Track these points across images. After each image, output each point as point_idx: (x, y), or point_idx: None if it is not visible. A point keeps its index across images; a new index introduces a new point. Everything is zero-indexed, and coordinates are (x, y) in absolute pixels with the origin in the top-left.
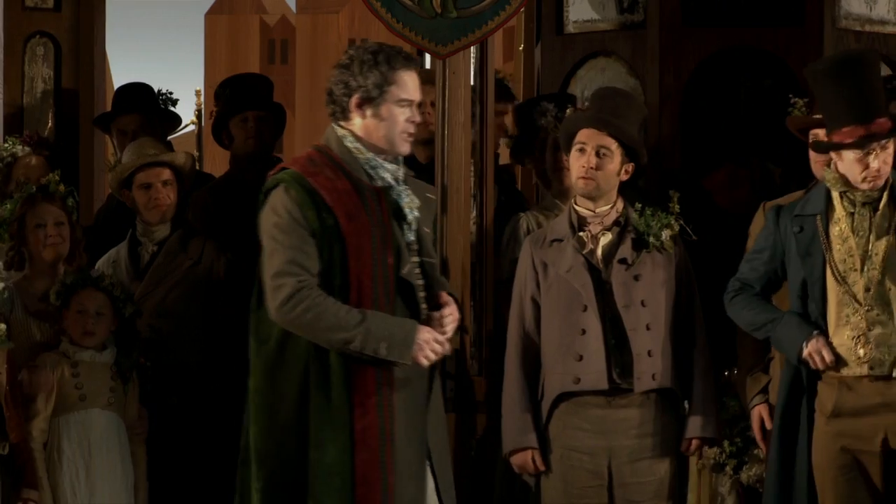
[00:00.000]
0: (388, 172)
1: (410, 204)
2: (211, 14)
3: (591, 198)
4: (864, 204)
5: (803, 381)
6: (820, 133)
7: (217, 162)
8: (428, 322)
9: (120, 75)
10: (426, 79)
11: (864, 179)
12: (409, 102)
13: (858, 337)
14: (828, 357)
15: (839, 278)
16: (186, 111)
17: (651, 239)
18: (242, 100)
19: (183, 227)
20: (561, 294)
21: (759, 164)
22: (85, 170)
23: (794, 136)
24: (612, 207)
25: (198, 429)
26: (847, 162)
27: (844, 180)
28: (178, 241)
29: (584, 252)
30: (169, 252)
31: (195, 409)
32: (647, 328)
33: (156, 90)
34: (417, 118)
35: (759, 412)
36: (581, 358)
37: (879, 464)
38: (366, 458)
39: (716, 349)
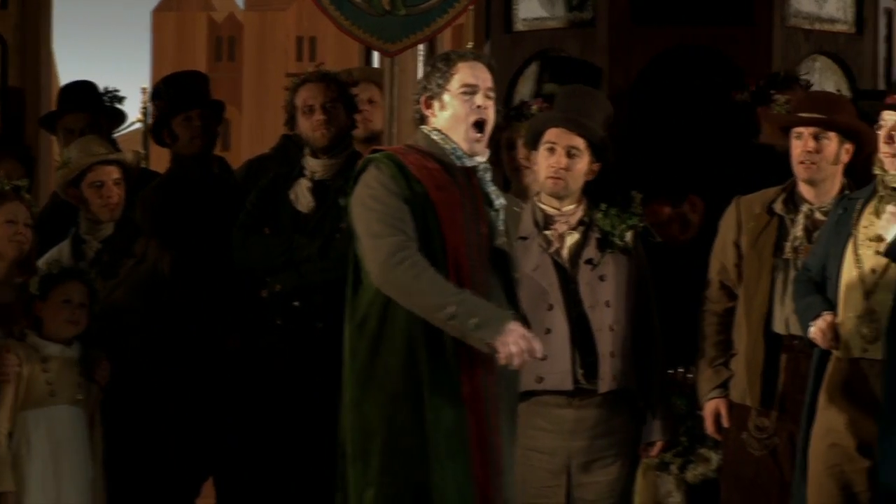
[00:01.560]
0: (476, 163)
1: (496, 192)
2: (158, 11)
3: (560, 197)
4: (893, 189)
5: (818, 368)
6: (805, 132)
7: (163, 160)
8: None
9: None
10: (368, 77)
11: (890, 161)
12: (472, 89)
13: (860, 317)
14: (829, 335)
15: (856, 258)
16: (133, 109)
17: (616, 239)
18: (185, 99)
19: (127, 226)
20: (526, 292)
21: (695, 202)
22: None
23: (744, 134)
24: (577, 207)
25: (145, 424)
26: (880, 143)
27: (882, 165)
28: (123, 239)
29: (550, 251)
30: (115, 250)
31: (140, 404)
32: (611, 329)
33: (102, 88)
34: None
35: (715, 406)
36: (545, 357)
37: (863, 461)
38: (475, 420)
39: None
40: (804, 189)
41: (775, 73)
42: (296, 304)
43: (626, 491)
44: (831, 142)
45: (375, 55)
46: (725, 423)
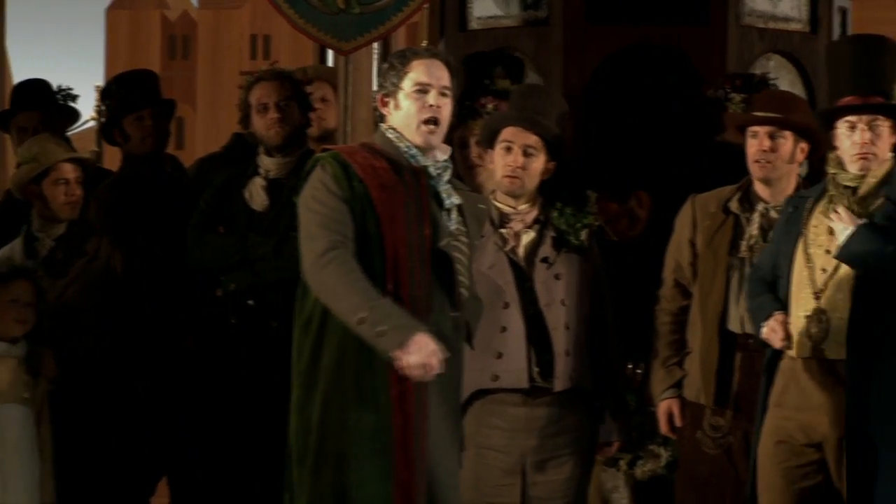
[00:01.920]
0: (430, 163)
1: (449, 192)
2: (112, 9)
3: (516, 196)
4: (847, 187)
5: (769, 367)
6: (761, 130)
7: (117, 159)
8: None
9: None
10: (323, 75)
11: (852, 158)
12: (425, 88)
13: (809, 317)
14: (780, 334)
15: (806, 258)
16: (87, 107)
17: (571, 238)
18: (136, 98)
19: (80, 224)
20: (482, 290)
21: (641, 197)
22: None
23: (699, 133)
24: (533, 205)
25: (99, 423)
26: (839, 140)
27: (839, 162)
28: (76, 237)
29: (505, 249)
30: (69, 248)
31: (94, 403)
32: (567, 327)
33: (55, 86)
34: (433, 102)
35: (668, 406)
36: (500, 355)
37: (814, 459)
38: (401, 422)
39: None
40: (759, 188)
41: (751, 75)
42: (250, 302)
43: (580, 490)
44: (787, 141)
45: (330, 53)
46: (678, 422)
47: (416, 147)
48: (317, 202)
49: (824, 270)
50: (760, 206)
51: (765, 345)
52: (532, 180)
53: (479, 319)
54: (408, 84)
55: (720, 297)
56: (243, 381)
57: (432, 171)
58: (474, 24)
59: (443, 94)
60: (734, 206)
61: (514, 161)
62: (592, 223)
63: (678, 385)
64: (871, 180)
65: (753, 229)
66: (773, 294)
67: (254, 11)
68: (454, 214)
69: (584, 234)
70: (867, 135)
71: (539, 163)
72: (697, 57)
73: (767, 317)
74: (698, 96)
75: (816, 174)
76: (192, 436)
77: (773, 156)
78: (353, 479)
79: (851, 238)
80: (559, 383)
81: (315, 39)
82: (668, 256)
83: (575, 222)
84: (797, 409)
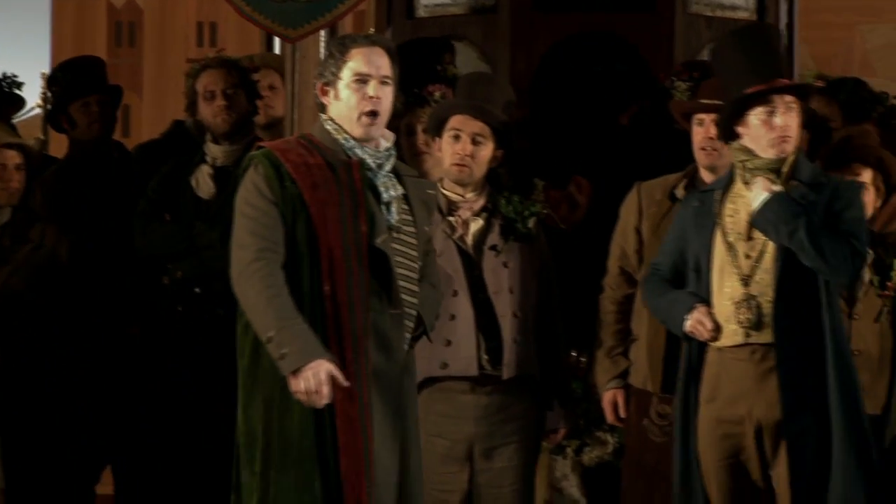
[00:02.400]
0: (369, 156)
1: (387, 184)
2: None
3: (464, 184)
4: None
5: (693, 362)
6: (706, 118)
7: (64, 146)
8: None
9: None
10: (269, 63)
11: (770, 143)
12: (364, 78)
13: (738, 303)
14: (708, 325)
15: (727, 247)
16: (32, 94)
17: (519, 226)
18: (83, 84)
19: (25, 212)
20: None
21: (580, 182)
22: None
23: (648, 120)
24: (481, 193)
25: (43, 411)
26: (753, 128)
27: (747, 151)
28: (21, 224)
29: (454, 237)
30: (13, 235)
31: (38, 391)
32: (514, 315)
33: (0, 74)
34: (372, 93)
35: (613, 396)
36: (449, 343)
37: (755, 449)
38: (345, 426)
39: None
40: (705, 175)
41: (706, 63)
42: (197, 290)
43: (528, 477)
44: None
45: (277, 41)
46: (623, 412)
47: (355, 139)
48: (248, 206)
49: (748, 257)
50: None
51: (688, 338)
52: (480, 168)
53: (436, 310)
54: (347, 74)
55: None
56: (190, 370)
57: (371, 162)
58: (422, 12)
59: (383, 84)
60: (680, 193)
61: (462, 149)
62: (540, 211)
63: (623, 375)
64: (788, 164)
65: None
66: (685, 290)
67: None
68: (394, 207)
69: (531, 222)
70: (787, 118)
71: (487, 151)
72: (645, 45)
73: (689, 310)
74: (647, 84)
75: None
76: (137, 424)
77: (719, 143)
78: (299, 482)
79: (767, 204)
80: (507, 371)
81: (262, 27)
82: (613, 244)
83: (522, 210)
84: (733, 400)
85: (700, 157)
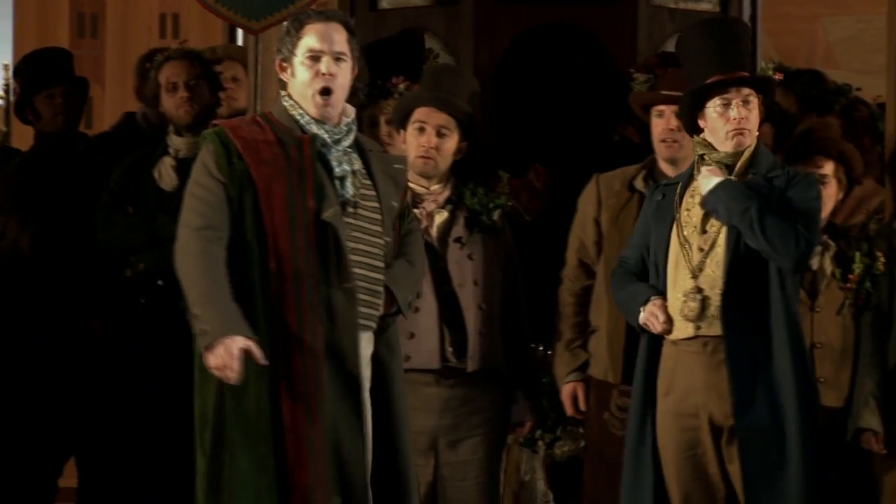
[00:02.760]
0: (325, 132)
1: (341, 159)
2: None
3: (429, 177)
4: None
5: (650, 355)
6: (666, 110)
7: (28, 137)
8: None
9: None
10: (232, 55)
11: (727, 135)
12: (317, 54)
13: (686, 296)
14: (661, 317)
15: (681, 241)
16: None
17: (484, 218)
18: (48, 76)
19: None
20: None
21: (538, 169)
22: None
23: (610, 112)
24: (445, 185)
25: (5, 403)
26: (711, 121)
27: (707, 144)
28: None
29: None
30: None
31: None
32: (479, 308)
33: None
34: (325, 70)
35: (573, 388)
36: (413, 336)
37: (711, 442)
38: (290, 405)
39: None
40: (665, 166)
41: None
42: (160, 283)
43: (493, 469)
44: None
45: (240, 33)
46: (583, 405)
47: (311, 116)
48: (196, 185)
49: (701, 250)
50: None
51: (644, 331)
52: (445, 161)
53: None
54: (301, 50)
55: None
56: (153, 362)
57: (327, 138)
58: (385, 4)
59: (338, 60)
60: (639, 184)
61: (427, 142)
62: (505, 203)
63: (582, 368)
64: (745, 157)
65: None
66: (646, 282)
67: None
68: (349, 181)
69: (496, 215)
70: (743, 111)
71: (452, 143)
72: (608, 37)
73: (644, 302)
74: (611, 76)
75: None
76: (100, 416)
77: (679, 135)
78: (255, 463)
79: (717, 188)
80: (472, 363)
81: (225, 18)
82: (572, 236)
83: (487, 202)
84: (687, 393)
85: (660, 149)
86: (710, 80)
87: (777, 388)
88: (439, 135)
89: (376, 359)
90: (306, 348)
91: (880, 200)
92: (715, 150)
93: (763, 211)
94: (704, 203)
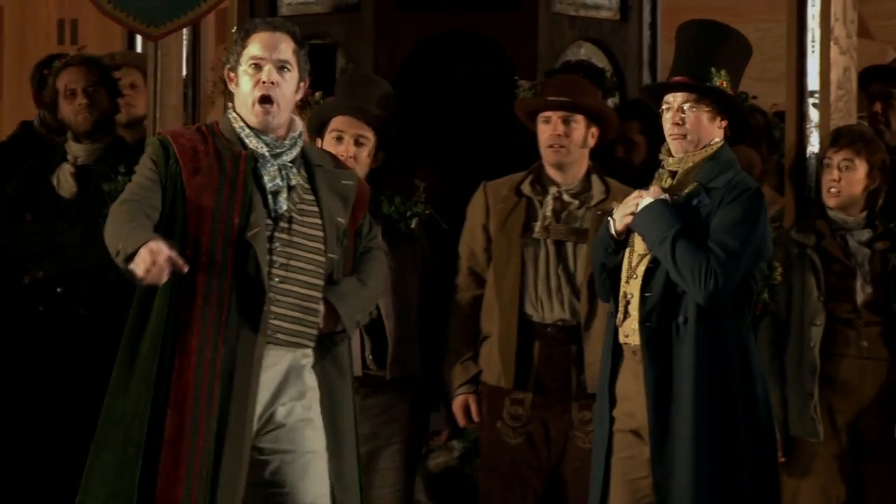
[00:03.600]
0: (265, 145)
1: (274, 174)
2: None
3: None
4: (671, 173)
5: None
6: (553, 115)
7: None
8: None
9: None
10: (131, 61)
11: (669, 139)
12: (259, 62)
13: (618, 302)
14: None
15: (630, 245)
16: None
17: (401, 226)
18: None
19: None
20: None
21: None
22: None
23: (513, 119)
24: None
25: None
26: (663, 121)
27: (668, 149)
28: None
29: None
30: None
31: None
32: (398, 316)
33: None
34: (265, 78)
35: (464, 400)
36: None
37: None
38: (175, 417)
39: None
40: (552, 172)
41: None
42: (59, 290)
43: (410, 478)
44: (579, 125)
45: (139, 39)
46: (476, 417)
47: (251, 128)
48: (135, 178)
49: (641, 256)
50: (553, 190)
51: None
52: (362, 170)
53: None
54: (245, 59)
55: (516, 280)
56: (51, 369)
57: (266, 151)
58: (284, 10)
59: (281, 69)
60: (527, 188)
61: (345, 151)
62: (422, 212)
63: (474, 380)
64: (689, 164)
65: (547, 211)
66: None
67: None
68: (283, 196)
69: (413, 223)
70: (678, 115)
71: (370, 151)
72: (509, 44)
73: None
74: (510, 83)
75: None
76: None
77: (566, 140)
78: (117, 463)
79: (646, 209)
80: (391, 371)
81: (124, 25)
82: (462, 245)
83: (405, 211)
84: (624, 399)
85: (547, 154)
86: (649, 84)
87: (690, 400)
88: (357, 143)
89: (322, 377)
90: (204, 363)
91: (778, 209)
92: (671, 155)
93: (677, 242)
94: (632, 225)
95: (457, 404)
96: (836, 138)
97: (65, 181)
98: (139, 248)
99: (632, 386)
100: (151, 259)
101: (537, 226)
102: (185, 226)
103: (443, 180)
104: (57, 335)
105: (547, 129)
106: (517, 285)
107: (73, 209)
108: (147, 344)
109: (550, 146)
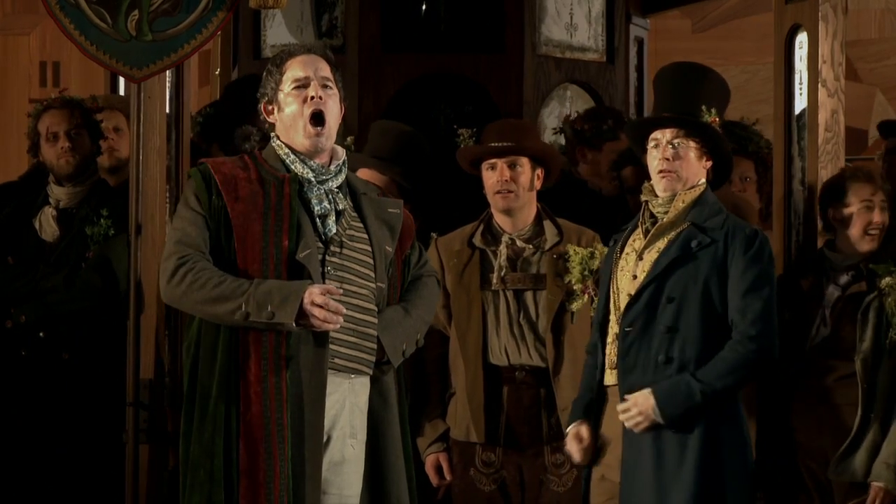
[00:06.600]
0: (311, 171)
1: (322, 197)
2: None
3: None
4: (653, 216)
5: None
6: (498, 162)
7: None
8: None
9: None
10: (114, 104)
11: (656, 178)
12: (304, 81)
13: (610, 344)
14: (573, 448)
15: (615, 286)
16: None
17: None
18: None
19: None
20: None
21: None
22: None
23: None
24: None
25: None
26: (648, 161)
27: (651, 190)
28: None
29: None
30: None
31: None
32: None
33: None
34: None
35: (436, 460)
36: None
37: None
38: (248, 448)
39: None
40: (501, 219)
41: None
42: (41, 334)
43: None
44: (525, 168)
45: (121, 81)
46: (448, 475)
47: (296, 153)
48: (177, 217)
49: (629, 295)
50: (505, 238)
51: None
52: None
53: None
54: (286, 83)
55: (479, 332)
56: (34, 414)
57: (311, 177)
58: (268, 52)
59: (325, 86)
60: (478, 240)
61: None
62: None
63: (443, 438)
64: (679, 204)
65: (502, 260)
66: (591, 394)
67: (43, 37)
68: (331, 219)
69: None
70: (668, 151)
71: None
72: (494, 86)
73: (574, 420)
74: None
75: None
76: None
77: (514, 185)
78: (202, 502)
79: (662, 402)
80: None
81: (106, 67)
82: None
83: None
84: (605, 443)
85: (496, 201)
86: (638, 119)
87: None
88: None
89: (369, 408)
90: (269, 390)
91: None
92: (657, 196)
93: (706, 386)
94: (667, 423)
95: (429, 464)
96: (870, 177)
97: (47, 224)
98: (300, 304)
99: (617, 426)
100: (323, 317)
101: (494, 277)
102: (233, 254)
103: (425, 222)
104: (39, 380)
105: (493, 175)
106: (480, 337)
107: (55, 253)
108: (217, 380)
109: (498, 192)
